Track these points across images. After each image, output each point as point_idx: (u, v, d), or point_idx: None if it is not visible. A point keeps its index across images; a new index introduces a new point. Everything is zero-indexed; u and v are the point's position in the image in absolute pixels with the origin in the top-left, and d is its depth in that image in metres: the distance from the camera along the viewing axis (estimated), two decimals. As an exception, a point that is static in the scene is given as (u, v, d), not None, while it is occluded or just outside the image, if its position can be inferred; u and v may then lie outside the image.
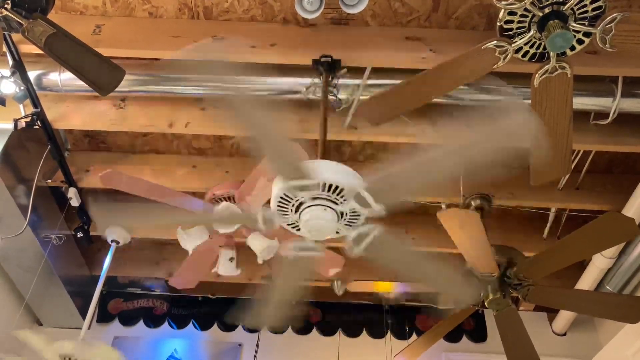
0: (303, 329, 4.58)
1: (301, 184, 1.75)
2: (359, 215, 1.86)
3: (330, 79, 2.82)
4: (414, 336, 4.35)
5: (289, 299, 2.33)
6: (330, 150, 3.51)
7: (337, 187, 1.76)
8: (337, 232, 1.92)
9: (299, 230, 1.95)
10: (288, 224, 1.94)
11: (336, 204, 1.80)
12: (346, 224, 1.88)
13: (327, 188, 1.76)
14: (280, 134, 1.66)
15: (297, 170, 1.74)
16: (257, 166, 2.56)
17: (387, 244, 2.01)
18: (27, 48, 2.78)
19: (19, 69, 2.89)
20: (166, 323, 4.62)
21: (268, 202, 1.90)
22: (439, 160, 1.67)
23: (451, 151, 1.65)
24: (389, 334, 4.47)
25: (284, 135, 1.67)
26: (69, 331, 4.30)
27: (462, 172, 1.69)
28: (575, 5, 2.01)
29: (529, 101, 2.26)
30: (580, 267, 3.88)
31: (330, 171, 1.78)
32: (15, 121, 3.12)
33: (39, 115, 3.16)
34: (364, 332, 4.54)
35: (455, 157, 1.66)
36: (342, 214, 1.84)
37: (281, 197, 1.81)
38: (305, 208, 1.81)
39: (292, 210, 1.85)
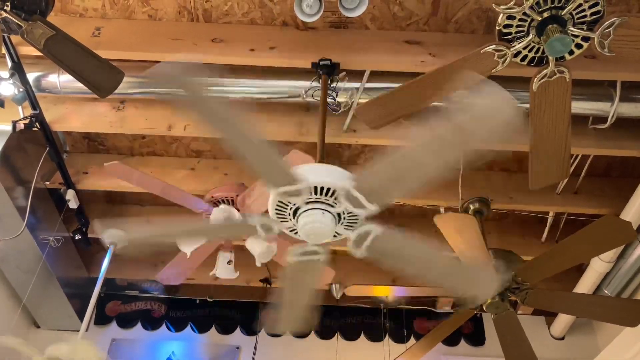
0: (301, 333, 4.57)
1: (289, 189, 1.72)
2: (357, 216, 1.83)
3: (329, 82, 2.82)
4: (412, 340, 4.34)
5: (303, 304, 2.26)
6: (329, 154, 3.51)
7: (328, 189, 1.73)
8: (335, 235, 1.88)
9: (298, 234, 1.92)
10: (288, 229, 1.92)
11: (332, 206, 1.78)
12: (345, 226, 1.86)
13: (318, 191, 1.74)
14: (257, 137, 1.58)
15: (284, 176, 1.70)
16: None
17: (390, 243, 1.93)
18: (26, 50, 2.78)
19: (18, 70, 2.89)
20: (164, 325, 4.61)
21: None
22: (417, 154, 1.59)
23: (427, 144, 1.57)
24: (387, 338, 4.46)
25: (261, 140, 1.59)
26: (66, 333, 4.28)
27: (446, 168, 1.62)
28: (574, 10, 2.01)
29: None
30: (579, 270, 3.88)
31: (317, 173, 1.75)
32: (14, 123, 3.12)
33: (38, 117, 3.16)
34: (362, 335, 4.53)
35: (435, 149, 1.57)
36: (340, 216, 1.82)
37: (277, 204, 1.80)
38: (302, 212, 1.80)
39: (289, 215, 1.84)
